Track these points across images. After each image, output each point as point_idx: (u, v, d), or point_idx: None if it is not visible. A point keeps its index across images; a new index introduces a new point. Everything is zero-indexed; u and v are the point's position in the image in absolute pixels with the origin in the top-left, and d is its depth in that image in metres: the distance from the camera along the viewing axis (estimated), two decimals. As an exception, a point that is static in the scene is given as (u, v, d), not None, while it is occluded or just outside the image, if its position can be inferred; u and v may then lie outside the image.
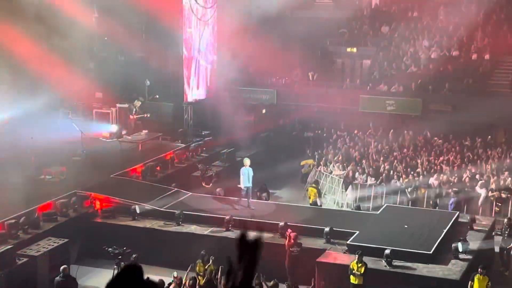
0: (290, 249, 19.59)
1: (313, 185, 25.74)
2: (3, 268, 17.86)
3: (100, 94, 31.39)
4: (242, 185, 22.85)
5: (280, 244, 20.15)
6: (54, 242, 19.69)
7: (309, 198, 25.24)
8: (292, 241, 19.64)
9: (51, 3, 27.29)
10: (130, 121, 30.48)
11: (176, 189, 24.38)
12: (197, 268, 18.68)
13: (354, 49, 35.76)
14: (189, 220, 21.75)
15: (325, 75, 35.23)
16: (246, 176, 22.77)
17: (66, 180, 24.29)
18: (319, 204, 24.97)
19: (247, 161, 23.32)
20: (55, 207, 21.80)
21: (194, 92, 32.13)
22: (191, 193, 24.29)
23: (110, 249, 18.22)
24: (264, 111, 33.94)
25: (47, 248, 19.31)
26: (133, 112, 30.39)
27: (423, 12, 36.29)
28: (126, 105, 31.12)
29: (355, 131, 31.25)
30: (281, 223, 20.75)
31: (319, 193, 25.43)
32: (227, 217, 21.31)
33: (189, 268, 18.43)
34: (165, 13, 29.33)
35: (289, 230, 19.97)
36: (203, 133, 30.85)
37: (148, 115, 30.49)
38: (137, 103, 30.59)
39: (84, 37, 29.35)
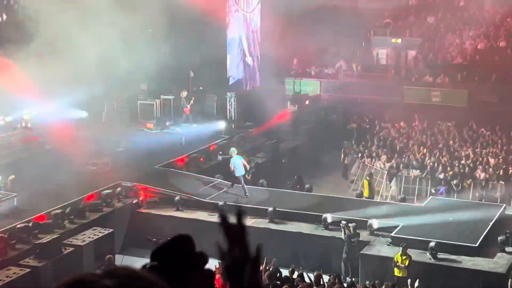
0: (352, 240, 19.50)
1: (367, 178, 25.49)
2: (50, 258, 18.14)
3: (145, 85, 31.61)
4: (236, 175, 22.97)
5: (325, 236, 20.13)
6: (99, 232, 19.93)
7: (363, 191, 25.02)
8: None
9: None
10: (186, 112, 30.55)
11: (219, 180, 24.46)
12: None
13: (399, 40, 35.40)
14: (231, 211, 21.76)
15: (369, 66, 34.95)
16: (238, 166, 22.96)
17: (111, 170, 24.57)
18: (372, 196, 24.77)
19: (234, 151, 23.56)
20: (100, 198, 22.06)
21: (237, 83, 32.16)
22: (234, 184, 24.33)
23: (154, 239, 18.36)
24: (307, 102, 33.82)
25: (93, 238, 19.55)
26: (186, 104, 30.46)
27: (469, 1, 35.75)
28: (170, 97, 31.29)
29: (400, 123, 30.95)
30: (270, 208, 20.99)
31: (371, 186, 25.13)
32: (270, 209, 21.31)
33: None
34: (209, 4, 29.37)
35: (343, 222, 19.89)
36: (246, 124, 30.87)
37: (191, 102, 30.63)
38: (184, 93, 30.71)
39: (126, 30, 29.54)
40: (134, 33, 29.88)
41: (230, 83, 31.57)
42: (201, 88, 31.97)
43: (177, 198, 22.41)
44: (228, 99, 31.56)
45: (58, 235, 19.18)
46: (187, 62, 30.34)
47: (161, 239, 18.41)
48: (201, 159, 26.71)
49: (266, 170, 26.65)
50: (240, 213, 2.26)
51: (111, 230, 20.13)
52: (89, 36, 27.30)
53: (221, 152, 27.67)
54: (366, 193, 24.81)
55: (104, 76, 28.76)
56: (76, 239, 19.44)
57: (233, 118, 31.46)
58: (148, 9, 28.46)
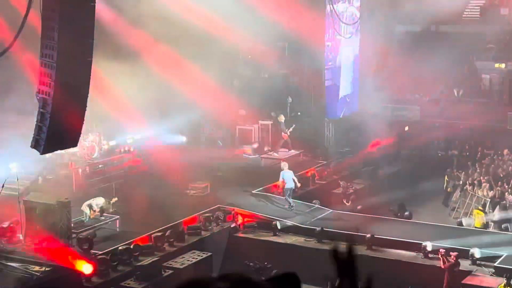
0: (454, 269, 19.03)
1: (480, 208, 24.71)
2: (150, 280, 18.50)
3: (243, 111, 31.98)
4: (286, 187, 23.92)
5: (424, 265, 19.70)
6: (198, 256, 20.20)
7: (474, 220, 24.30)
8: (454, 260, 19.14)
9: (196, 24, 28.10)
10: (284, 137, 30.71)
11: (317, 205, 24.40)
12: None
13: (503, 65, 34.48)
14: (329, 237, 21.65)
15: (472, 91, 34.17)
16: (288, 179, 23.94)
17: (209, 195, 24.91)
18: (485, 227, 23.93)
19: (285, 165, 24.57)
20: (199, 221, 22.37)
21: (336, 108, 32.06)
22: (332, 210, 24.21)
23: (251, 264, 18.48)
24: (407, 128, 33.33)
25: (191, 261, 19.83)
26: (285, 129, 30.60)
27: None
28: (269, 122, 31.51)
29: (503, 150, 30.03)
30: (368, 235, 20.67)
31: (481, 217, 24.25)
32: (368, 235, 21.05)
33: (328, 286, 18.34)
34: (307, 30, 29.49)
35: (442, 251, 19.43)
36: (344, 150, 30.70)
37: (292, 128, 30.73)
38: (282, 118, 30.83)
39: (228, 56, 30.03)
40: (231, 58, 30.40)
41: (328, 108, 31.49)
42: (299, 113, 32.04)
43: (274, 223, 22.47)
44: (326, 124, 31.49)
45: (158, 258, 19.55)
46: (285, 87, 30.54)
47: (258, 265, 18.49)
48: (299, 184, 26.66)
49: (364, 197, 26.38)
50: (351, 245, 2.31)
51: (209, 253, 20.35)
52: (192, 59, 27.94)
53: (318, 178, 27.62)
54: (477, 223, 23.97)
55: (204, 101, 29.32)
56: (175, 262, 19.76)
57: (330, 144, 31.34)
58: (246, 34, 28.84)
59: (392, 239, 21.21)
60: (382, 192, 27.46)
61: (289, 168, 24.67)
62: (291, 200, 23.98)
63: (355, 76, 32.97)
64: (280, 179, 24.23)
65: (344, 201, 25.69)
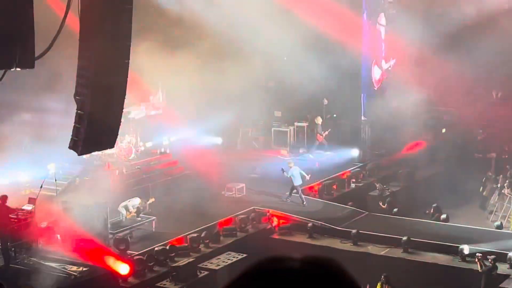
0: (492, 273, 18.80)
1: None
2: (186, 281, 18.60)
3: (279, 112, 31.98)
4: (295, 184, 24.28)
5: (461, 268, 19.51)
6: (233, 257, 20.25)
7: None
8: (491, 264, 18.93)
9: (234, 26, 28.18)
10: (319, 139, 30.69)
11: (352, 208, 24.30)
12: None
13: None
14: (365, 240, 21.56)
15: (511, 93, 33.70)
16: (296, 176, 24.27)
17: (245, 196, 24.97)
18: None
19: (291, 162, 25.08)
20: (234, 223, 22.43)
21: (372, 110, 31.89)
22: (367, 212, 24.09)
23: (286, 266, 18.45)
24: (444, 130, 33.01)
25: (227, 262, 19.88)
26: (322, 131, 30.58)
27: None
28: (304, 124, 31.47)
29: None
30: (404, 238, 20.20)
31: None
32: (404, 238, 20.90)
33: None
34: (342, 31, 29.40)
35: (479, 254, 19.22)
36: (381, 152, 30.52)
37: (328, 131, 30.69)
38: (319, 120, 30.78)
39: (263, 57, 30.06)
40: (267, 60, 30.41)
41: (364, 109, 31.34)
42: (334, 115, 31.95)
43: (309, 225, 22.43)
44: (361, 126, 31.34)
45: (193, 259, 19.64)
46: (321, 89, 30.46)
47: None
48: (334, 186, 26.64)
49: (400, 199, 26.21)
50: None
51: (244, 255, 20.39)
52: (228, 60, 28.06)
53: (354, 180, 27.53)
54: None
55: (240, 103, 29.39)
56: (211, 263, 19.83)
57: (366, 145, 31.18)
58: (283, 37, 28.85)
59: (429, 242, 21.03)
60: (418, 194, 27.26)
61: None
62: (303, 196, 24.44)
63: (391, 77, 32.76)
64: (289, 176, 24.46)
65: (380, 204, 25.53)
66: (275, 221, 22.98)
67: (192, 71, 27.73)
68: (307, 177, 24.87)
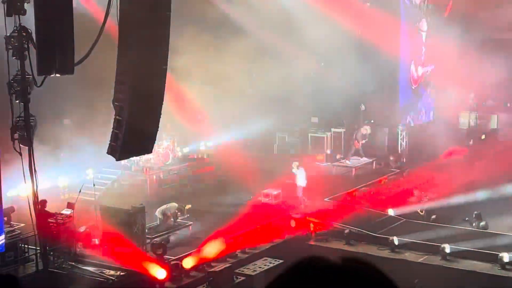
0: None
1: None
2: (222, 286, 18.62)
3: (316, 118, 31.91)
4: (297, 184, 24.80)
5: (501, 276, 19.23)
6: (270, 263, 20.22)
7: None
8: None
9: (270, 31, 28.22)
10: (356, 145, 30.55)
11: (390, 214, 24.11)
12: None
13: None
14: (403, 247, 21.38)
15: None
16: (300, 177, 24.85)
17: (282, 202, 24.90)
18: None
19: (296, 164, 25.32)
20: (271, 228, 22.37)
21: (409, 116, 31.68)
22: (405, 219, 23.88)
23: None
24: (483, 136, 32.62)
25: (263, 268, 19.86)
26: (361, 139, 30.44)
27: None
28: (341, 130, 31.36)
29: None
30: (442, 245, 19.79)
31: None
32: (442, 246, 20.68)
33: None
34: (381, 36, 29.26)
35: None
36: (418, 158, 30.23)
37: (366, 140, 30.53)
38: (367, 129, 30.56)
39: (302, 63, 30.06)
40: (305, 66, 30.41)
41: (401, 116, 31.13)
42: (372, 121, 31.79)
43: (346, 231, 22.31)
44: (399, 132, 31.13)
45: (230, 264, 19.66)
46: (358, 95, 30.34)
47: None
48: (371, 193, 26.46)
49: (439, 206, 25.90)
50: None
51: (281, 261, 20.33)
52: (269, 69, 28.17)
53: (391, 187, 27.32)
54: None
55: (277, 108, 29.42)
56: (247, 268, 19.83)
57: (404, 151, 30.94)
58: (320, 44, 28.81)
59: (468, 250, 20.76)
60: (457, 201, 26.91)
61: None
62: (304, 198, 24.76)
63: (430, 83, 32.52)
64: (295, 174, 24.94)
65: (418, 211, 25.27)
66: (312, 227, 22.88)
67: (228, 76, 27.89)
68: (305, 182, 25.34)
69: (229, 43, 27.78)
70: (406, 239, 21.66)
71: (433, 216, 24.14)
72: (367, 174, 28.35)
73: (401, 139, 31.10)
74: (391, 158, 30.11)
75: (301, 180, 24.94)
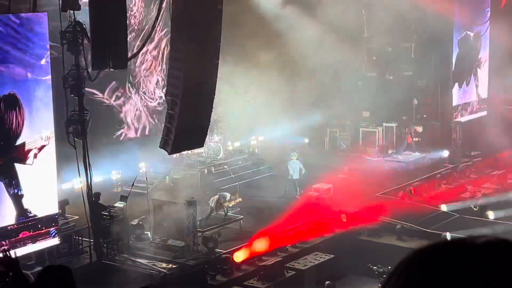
0: None
1: None
2: (273, 280, 18.65)
3: (367, 113, 31.66)
4: (294, 177, 24.76)
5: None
6: (321, 257, 20.17)
7: None
8: None
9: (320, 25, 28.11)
10: (409, 140, 30.25)
11: (443, 210, 23.81)
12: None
13: None
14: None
15: None
16: (293, 170, 24.68)
17: (332, 197, 24.80)
18: None
19: (294, 155, 25.08)
20: (322, 223, 22.29)
21: (462, 110, 31.23)
22: (458, 215, 23.56)
23: (374, 267, 18.26)
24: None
25: (314, 262, 19.82)
26: (414, 136, 30.13)
27: None
28: (393, 124, 31.05)
29: None
30: None
31: None
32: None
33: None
34: (435, 31, 28.92)
35: None
36: (472, 154, 29.80)
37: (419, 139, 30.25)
38: (420, 128, 30.23)
39: (353, 57, 29.88)
40: (356, 60, 30.25)
41: (454, 110, 30.69)
42: (424, 116, 31.40)
43: (398, 226, 22.11)
44: (453, 126, 30.68)
45: (281, 258, 19.67)
46: (410, 89, 30.02)
47: (382, 268, 18.23)
48: (424, 188, 26.16)
49: (493, 202, 25.48)
50: None
51: (332, 255, 20.27)
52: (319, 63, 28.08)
53: (444, 182, 26.97)
54: None
55: (327, 103, 29.29)
56: (298, 263, 19.82)
57: (458, 146, 30.50)
58: (372, 35, 28.60)
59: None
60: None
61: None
62: (298, 189, 24.86)
63: (485, 77, 32.00)
64: (290, 170, 24.84)
65: (472, 206, 24.91)
66: (364, 222, 22.70)
67: (279, 70, 27.88)
68: (304, 171, 25.13)
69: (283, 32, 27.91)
70: (459, 235, 21.36)
71: (487, 212, 23.71)
72: (420, 169, 28.02)
73: (454, 133, 30.65)
74: (445, 153, 29.74)
75: (296, 172, 24.86)
